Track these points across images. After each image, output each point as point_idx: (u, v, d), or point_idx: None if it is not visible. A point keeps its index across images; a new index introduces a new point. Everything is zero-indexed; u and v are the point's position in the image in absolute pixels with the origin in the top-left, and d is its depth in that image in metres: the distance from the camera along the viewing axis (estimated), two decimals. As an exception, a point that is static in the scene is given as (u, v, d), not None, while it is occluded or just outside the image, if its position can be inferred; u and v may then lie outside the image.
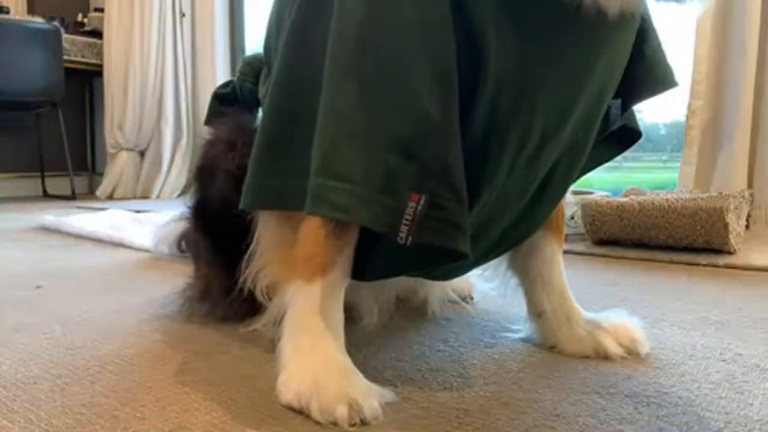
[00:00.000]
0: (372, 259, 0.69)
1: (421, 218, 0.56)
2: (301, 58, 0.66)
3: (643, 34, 0.71)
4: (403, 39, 0.58)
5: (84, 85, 4.26)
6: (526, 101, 0.63)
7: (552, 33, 0.62)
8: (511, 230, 0.77)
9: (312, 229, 0.68)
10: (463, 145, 0.59)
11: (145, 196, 3.71)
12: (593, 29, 0.62)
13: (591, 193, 1.79)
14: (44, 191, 3.95)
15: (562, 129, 0.67)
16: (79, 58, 3.85)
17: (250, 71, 0.89)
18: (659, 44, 0.73)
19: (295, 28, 0.67)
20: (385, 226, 0.57)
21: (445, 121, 0.58)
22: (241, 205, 0.69)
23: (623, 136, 0.79)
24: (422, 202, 0.56)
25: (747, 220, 1.76)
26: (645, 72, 0.72)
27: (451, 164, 0.58)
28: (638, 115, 0.81)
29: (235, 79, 0.94)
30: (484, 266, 0.88)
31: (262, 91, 0.86)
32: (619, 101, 0.76)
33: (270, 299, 0.78)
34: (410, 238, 0.56)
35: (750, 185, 2.04)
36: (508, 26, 0.59)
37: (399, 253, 0.66)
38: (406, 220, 0.56)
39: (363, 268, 0.71)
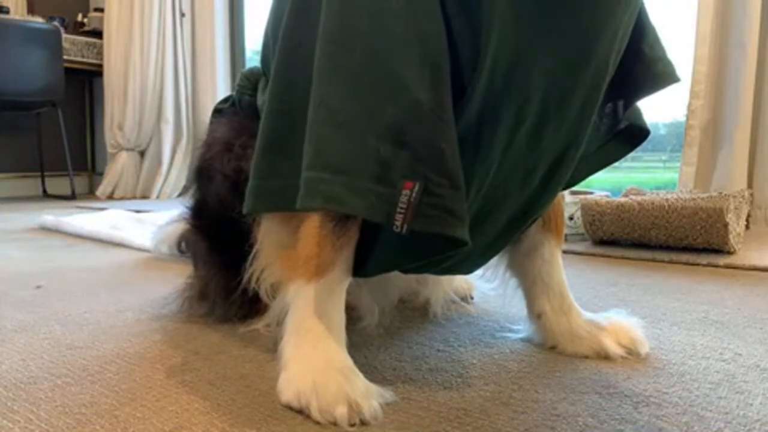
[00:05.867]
0: (372, 253, 0.69)
1: (416, 206, 0.56)
2: (295, 60, 0.66)
3: (640, 32, 0.70)
4: (390, 29, 0.58)
5: (84, 85, 4.27)
6: (520, 72, 0.61)
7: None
8: (519, 218, 0.75)
9: (312, 228, 0.68)
10: (458, 126, 0.59)
11: (145, 196, 3.72)
12: None
13: (591, 193, 1.79)
14: (44, 191, 3.96)
15: (566, 105, 0.65)
16: (79, 58, 3.86)
17: (248, 84, 0.89)
18: (657, 40, 0.72)
19: (288, 32, 0.67)
20: (381, 215, 0.56)
21: (436, 108, 0.57)
22: (244, 210, 0.69)
23: (631, 135, 0.79)
24: (416, 189, 0.56)
25: (747, 220, 1.76)
26: (644, 69, 0.71)
27: (443, 150, 0.57)
28: (639, 115, 0.80)
29: (234, 93, 0.94)
30: (496, 256, 0.83)
31: (261, 99, 0.86)
32: (620, 102, 0.76)
33: (274, 299, 0.78)
34: (405, 227, 0.56)
35: (750, 185, 2.05)
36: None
37: (398, 244, 0.66)
38: (401, 208, 0.56)
39: (363, 264, 0.70)
